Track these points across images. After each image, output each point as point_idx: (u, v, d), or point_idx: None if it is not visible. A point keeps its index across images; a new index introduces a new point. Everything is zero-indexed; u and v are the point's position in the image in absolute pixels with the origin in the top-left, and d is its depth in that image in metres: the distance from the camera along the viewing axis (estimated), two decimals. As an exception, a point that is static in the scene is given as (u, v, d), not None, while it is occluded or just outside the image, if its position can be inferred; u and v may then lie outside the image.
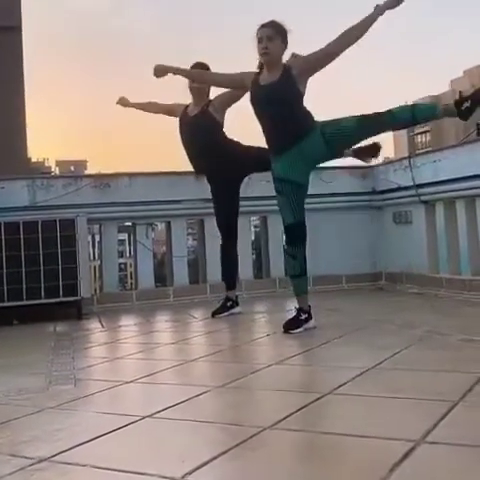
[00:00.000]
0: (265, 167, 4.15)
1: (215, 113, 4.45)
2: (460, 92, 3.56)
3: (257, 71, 3.73)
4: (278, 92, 3.58)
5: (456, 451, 1.64)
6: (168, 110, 4.71)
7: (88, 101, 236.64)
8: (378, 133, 3.72)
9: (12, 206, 5.31)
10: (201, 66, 4.41)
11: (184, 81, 4.41)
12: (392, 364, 2.69)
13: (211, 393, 2.39)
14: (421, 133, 64.17)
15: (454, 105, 3.47)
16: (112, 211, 5.64)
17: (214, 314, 4.53)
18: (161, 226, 6.51)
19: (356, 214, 6.15)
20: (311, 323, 3.69)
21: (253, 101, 3.71)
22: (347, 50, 3.52)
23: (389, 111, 3.56)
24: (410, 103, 3.71)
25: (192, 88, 4.46)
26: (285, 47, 3.65)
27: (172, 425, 2.03)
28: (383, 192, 6.09)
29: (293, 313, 3.73)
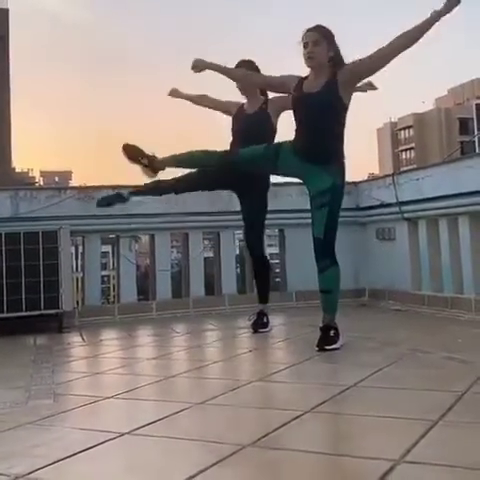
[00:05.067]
0: None
1: (273, 115, 4.29)
2: None
3: (304, 76, 3.61)
4: (317, 104, 3.47)
5: (435, 471, 1.64)
6: (222, 105, 4.51)
7: (75, 112, 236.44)
8: None
9: (-6, 217, 5.27)
10: (248, 64, 4.21)
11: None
12: (373, 382, 2.69)
13: (191, 410, 2.37)
14: (406, 150, 64.78)
15: None
16: (96, 223, 5.61)
17: (256, 328, 4.29)
18: (145, 238, 6.49)
19: (339, 230, 6.12)
20: (341, 340, 3.55)
21: (293, 107, 3.63)
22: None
23: None
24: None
25: (241, 88, 4.31)
26: (333, 53, 3.52)
27: (151, 442, 2.01)
28: (367, 208, 6.13)
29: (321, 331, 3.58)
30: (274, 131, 4.30)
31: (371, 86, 3.95)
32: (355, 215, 6.20)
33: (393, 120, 67.91)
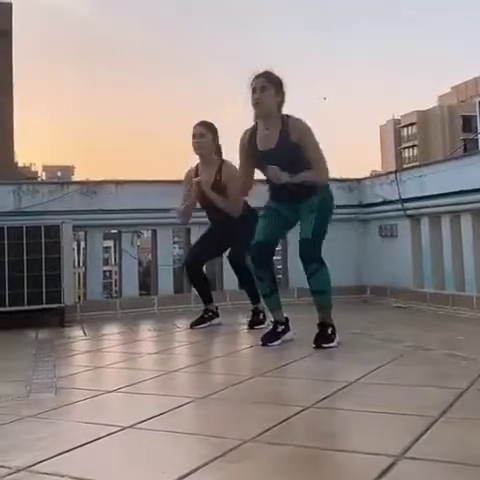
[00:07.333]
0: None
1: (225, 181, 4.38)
2: None
3: (251, 129, 3.62)
4: (279, 159, 3.45)
5: (436, 467, 1.65)
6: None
7: (77, 106, 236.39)
8: None
9: (-3, 211, 5.28)
10: (208, 126, 4.42)
11: None
12: (374, 378, 2.69)
13: (193, 404, 2.38)
14: (409, 147, 64.68)
15: None
16: (98, 218, 5.62)
17: (193, 325, 4.49)
18: (147, 234, 6.49)
19: (342, 227, 6.16)
20: (289, 335, 3.70)
21: (256, 167, 3.65)
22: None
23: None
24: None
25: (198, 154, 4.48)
26: (281, 98, 3.53)
27: (153, 436, 2.02)
28: (369, 205, 6.12)
29: (270, 326, 3.74)
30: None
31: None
32: (358, 212, 6.21)
33: (396, 117, 67.84)
